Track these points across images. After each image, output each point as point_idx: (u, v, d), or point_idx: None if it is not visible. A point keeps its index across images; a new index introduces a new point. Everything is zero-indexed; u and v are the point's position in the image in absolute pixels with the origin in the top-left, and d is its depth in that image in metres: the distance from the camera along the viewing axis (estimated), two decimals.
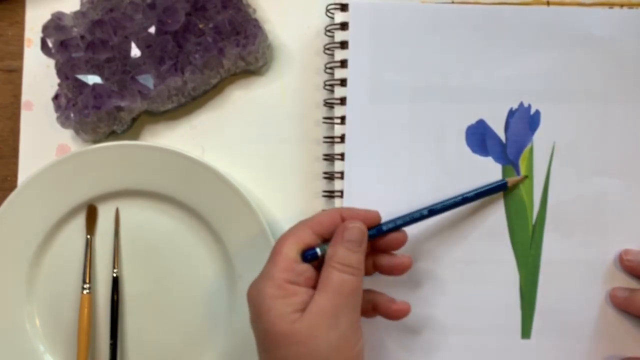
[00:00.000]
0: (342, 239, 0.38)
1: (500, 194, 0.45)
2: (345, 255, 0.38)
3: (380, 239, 0.41)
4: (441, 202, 0.42)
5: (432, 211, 0.42)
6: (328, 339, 0.35)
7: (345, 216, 0.40)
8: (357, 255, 0.38)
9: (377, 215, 0.41)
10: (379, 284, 0.43)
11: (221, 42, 0.46)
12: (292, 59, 0.49)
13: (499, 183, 0.44)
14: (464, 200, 0.43)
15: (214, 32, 0.46)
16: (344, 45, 0.46)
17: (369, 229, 0.40)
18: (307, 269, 0.38)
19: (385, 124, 0.45)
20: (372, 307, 0.41)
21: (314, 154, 0.48)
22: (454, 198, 0.42)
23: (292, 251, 0.38)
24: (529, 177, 0.45)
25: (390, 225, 0.41)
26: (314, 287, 0.37)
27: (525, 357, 0.44)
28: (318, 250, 0.38)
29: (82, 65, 0.46)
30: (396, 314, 0.41)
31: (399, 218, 0.41)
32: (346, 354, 0.36)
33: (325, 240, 0.39)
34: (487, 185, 0.44)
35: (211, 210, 0.46)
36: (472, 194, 0.43)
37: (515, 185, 0.44)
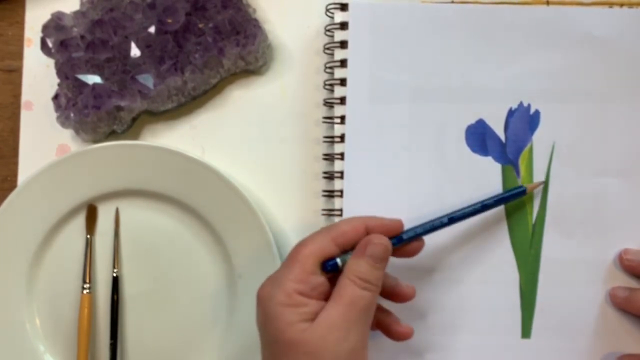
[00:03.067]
0: (365, 253, 0.37)
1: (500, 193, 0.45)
2: (366, 270, 0.37)
3: (399, 247, 0.40)
4: (461, 210, 0.42)
5: (452, 219, 0.41)
6: (337, 352, 0.35)
7: (369, 226, 0.39)
8: (378, 272, 0.37)
9: (400, 224, 0.40)
10: None
11: (221, 41, 0.46)
12: (292, 58, 0.49)
13: (518, 190, 0.43)
14: (483, 207, 0.42)
15: (214, 32, 0.46)
16: (343, 45, 0.46)
17: (390, 238, 0.39)
18: (322, 282, 0.37)
19: (385, 123, 0.45)
20: (375, 322, 0.41)
21: (314, 153, 0.48)
22: (473, 205, 0.42)
23: (310, 262, 0.37)
24: (527, 176, 0.45)
25: (411, 234, 0.40)
26: (326, 299, 0.37)
27: (525, 357, 0.44)
28: (339, 260, 0.38)
29: (82, 65, 0.46)
30: (398, 336, 0.41)
31: (419, 226, 0.41)
32: None
33: (346, 250, 0.38)
34: (507, 192, 0.43)
35: (211, 210, 0.46)
36: (491, 201, 0.42)
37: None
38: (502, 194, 0.43)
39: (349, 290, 0.36)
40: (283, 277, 0.36)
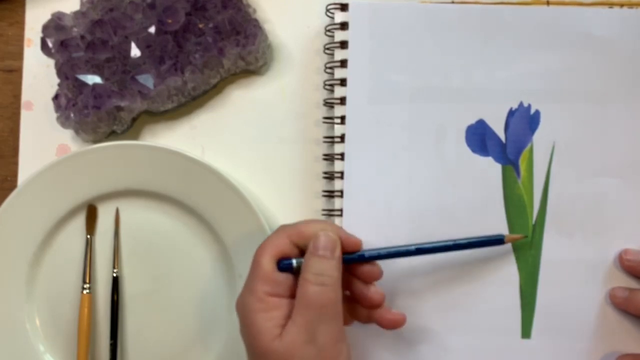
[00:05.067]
0: (314, 248, 0.37)
1: (500, 193, 0.45)
2: (316, 263, 0.37)
3: (358, 266, 0.40)
4: (431, 243, 0.41)
5: (420, 250, 0.41)
6: (306, 355, 0.35)
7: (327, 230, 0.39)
8: (330, 263, 0.37)
9: (359, 243, 0.40)
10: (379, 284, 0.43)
11: (221, 42, 0.46)
12: (292, 59, 0.49)
13: (496, 238, 0.42)
14: (455, 246, 0.42)
15: (214, 32, 0.46)
16: (344, 45, 0.46)
17: (351, 253, 0.40)
18: (285, 278, 0.37)
19: (385, 123, 0.45)
20: (367, 314, 0.41)
21: (314, 153, 0.48)
22: (445, 242, 0.42)
23: (268, 262, 0.37)
24: (527, 176, 0.45)
25: (373, 254, 0.40)
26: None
27: (525, 357, 0.44)
28: (294, 261, 0.38)
29: (82, 65, 0.46)
30: (389, 324, 0.41)
31: (383, 249, 0.41)
32: None
33: (304, 253, 0.39)
34: (483, 237, 0.43)
35: (211, 210, 0.46)
36: (465, 242, 0.42)
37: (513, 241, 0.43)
38: (477, 237, 0.42)
39: (305, 289, 0.36)
40: (252, 283, 0.37)
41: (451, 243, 0.42)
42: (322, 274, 0.36)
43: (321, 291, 0.36)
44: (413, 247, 0.41)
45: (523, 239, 0.44)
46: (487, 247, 0.43)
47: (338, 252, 0.38)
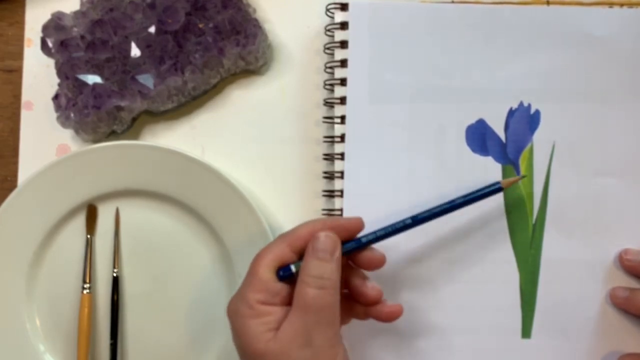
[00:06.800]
0: (313, 250, 0.37)
1: (500, 194, 0.45)
2: (316, 266, 0.36)
3: (359, 255, 0.39)
4: (427, 210, 0.40)
5: (417, 220, 0.39)
6: (301, 358, 0.35)
7: (327, 227, 0.38)
8: (329, 266, 0.36)
9: (359, 222, 0.39)
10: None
11: (221, 41, 0.46)
12: (292, 58, 0.49)
13: (493, 187, 0.40)
14: (452, 207, 0.40)
15: (214, 31, 0.46)
16: (344, 44, 0.46)
17: (348, 241, 0.39)
18: (282, 288, 0.37)
19: (385, 123, 0.45)
20: (364, 310, 0.41)
21: (314, 153, 0.48)
22: (441, 205, 0.40)
23: (266, 271, 0.37)
24: (527, 176, 0.45)
25: (371, 237, 0.39)
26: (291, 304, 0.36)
27: (525, 357, 0.44)
28: (293, 267, 0.37)
29: (82, 65, 0.46)
30: (387, 316, 0.40)
31: (379, 230, 0.39)
32: None
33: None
34: (480, 190, 0.41)
35: (211, 210, 0.46)
36: (461, 200, 0.40)
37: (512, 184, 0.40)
38: (474, 191, 0.40)
39: (303, 292, 0.36)
40: (245, 290, 0.37)
41: (447, 205, 0.40)
42: (321, 277, 0.36)
43: (320, 295, 0.35)
44: (409, 219, 0.39)
45: (522, 178, 0.42)
46: (486, 198, 0.40)
47: (338, 254, 0.37)
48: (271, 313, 0.36)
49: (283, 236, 0.38)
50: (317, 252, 0.37)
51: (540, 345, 0.44)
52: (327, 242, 0.37)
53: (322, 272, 0.36)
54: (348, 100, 0.45)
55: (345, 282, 0.40)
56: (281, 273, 0.37)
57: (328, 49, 0.47)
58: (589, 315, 0.44)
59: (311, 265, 0.36)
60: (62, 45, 0.46)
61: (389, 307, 0.40)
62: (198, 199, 0.46)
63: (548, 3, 0.46)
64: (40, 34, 0.47)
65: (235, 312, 0.36)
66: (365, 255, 0.39)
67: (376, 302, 0.40)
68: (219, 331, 0.47)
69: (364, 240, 0.39)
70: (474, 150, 0.45)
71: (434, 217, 0.40)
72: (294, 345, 0.35)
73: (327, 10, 0.46)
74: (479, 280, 0.45)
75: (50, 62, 0.48)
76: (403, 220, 0.39)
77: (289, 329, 0.35)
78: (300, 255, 0.38)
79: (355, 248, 0.39)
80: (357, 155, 0.45)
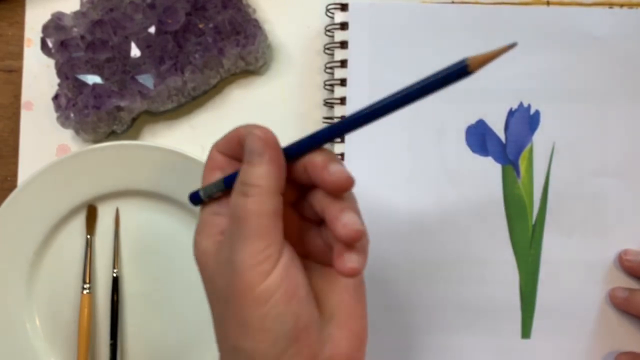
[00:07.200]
0: (244, 154, 0.31)
1: (500, 193, 0.45)
2: (242, 171, 0.31)
3: (312, 167, 0.31)
4: (377, 103, 0.30)
5: (376, 111, 0.30)
6: (225, 274, 0.30)
7: (241, 134, 0.32)
8: (257, 169, 0.30)
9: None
10: (378, 283, 0.43)
11: (221, 42, 0.46)
12: (292, 59, 0.49)
13: (458, 67, 0.28)
14: (416, 92, 0.30)
15: (214, 32, 0.46)
16: (344, 45, 0.46)
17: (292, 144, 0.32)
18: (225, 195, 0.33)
19: (385, 123, 0.45)
20: (323, 245, 0.33)
21: None
22: (392, 95, 0.30)
23: (208, 172, 0.33)
24: (527, 176, 0.45)
25: (317, 135, 0.30)
26: None
27: (525, 357, 0.44)
28: (201, 192, 0.33)
29: (82, 65, 0.46)
30: (341, 271, 0.30)
31: (323, 129, 0.30)
32: (243, 294, 0.29)
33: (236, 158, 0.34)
34: (441, 71, 0.29)
35: None
36: (423, 82, 0.30)
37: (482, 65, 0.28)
38: (434, 74, 0.29)
39: (230, 201, 0.31)
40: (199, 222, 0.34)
41: (400, 96, 0.31)
42: (244, 182, 0.30)
43: (242, 203, 0.30)
44: (366, 111, 0.30)
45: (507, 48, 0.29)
46: (452, 82, 0.29)
47: (268, 156, 0.30)
48: (215, 223, 0.33)
49: (214, 144, 0.34)
50: (245, 155, 0.31)
51: (540, 345, 0.44)
52: (254, 142, 0.31)
53: (245, 177, 0.31)
54: (348, 101, 0.45)
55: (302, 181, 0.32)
56: (192, 199, 0.34)
57: (328, 49, 0.47)
58: (588, 315, 0.44)
59: (240, 172, 0.31)
60: (62, 45, 0.46)
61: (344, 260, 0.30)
62: None
63: (548, 3, 0.46)
64: (40, 34, 0.47)
65: (195, 245, 0.33)
66: (315, 161, 0.31)
67: (345, 188, 0.30)
68: None
69: (304, 142, 0.31)
70: (474, 150, 0.45)
71: (382, 114, 0.30)
72: (221, 260, 0.30)
73: (327, 10, 0.46)
74: (479, 280, 0.45)
75: (50, 62, 0.48)
76: (359, 112, 0.30)
77: (222, 242, 0.31)
78: (234, 158, 0.34)
79: (297, 153, 0.31)
80: (357, 155, 0.45)
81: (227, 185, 0.32)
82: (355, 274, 0.29)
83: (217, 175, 0.34)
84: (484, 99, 0.45)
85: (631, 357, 0.43)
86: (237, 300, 0.30)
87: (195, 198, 0.34)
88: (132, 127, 0.49)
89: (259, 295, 0.29)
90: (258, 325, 0.29)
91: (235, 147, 0.33)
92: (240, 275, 0.29)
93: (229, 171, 0.33)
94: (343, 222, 0.30)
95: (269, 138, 0.31)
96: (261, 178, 0.30)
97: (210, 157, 0.34)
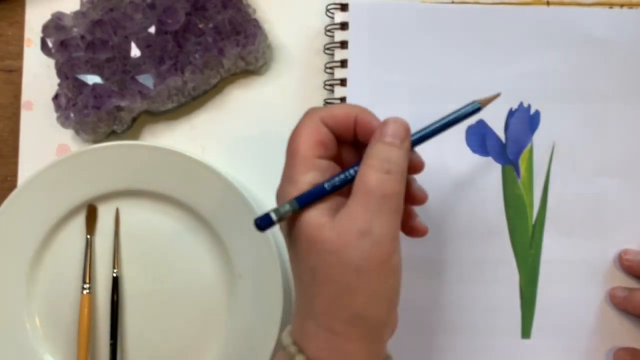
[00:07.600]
0: (381, 134, 0.33)
1: (500, 193, 0.45)
2: (383, 149, 0.33)
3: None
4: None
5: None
6: (359, 247, 0.31)
7: (360, 119, 0.34)
8: (399, 152, 0.33)
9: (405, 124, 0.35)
10: None
11: (221, 42, 0.46)
12: (292, 59, 0.49)
13: (473, 107, 0.36)
14: (437, 129, 0.36)
15: (214, 32, 0.46)
16: (344, 45, 0.46)
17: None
18: (328, 165, 0.34)
19: None
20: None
21: None
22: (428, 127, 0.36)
23: (307, 147, 0.34)
24: (527, 176, 0.45)
25: (422, 133, 0.35)
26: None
27: (525, 357, 0.44)
28: (273, 214, 0.33)
29: (82, 65, 0.46)
30: (412, 232, 0.37)
31: (424, 129, 0.35)
32: (381, 265, 0.31)
33: (340, 138, 0.35)
34: (459, 110, 0.36)
35: (211, 210, 0.46)
36: (442, 122, 0.36)
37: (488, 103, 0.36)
38: (453, 112, 0.36)
39: (367, 176, 0.32)
40: (291, 173, 0.34)
41: (434, 127, 0.36)
42: (389, 160, 0.32)
43: (386, 179, 0.32)
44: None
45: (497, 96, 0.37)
46: (466, 119, 0.36)
47: (407, 144, 0.34)
48: (326, 199, 0.33)
49: (315, 111, 0.35)
50: (385, 136, 0.33)
51: (540, 345, 0.44)
52: (398, 128, 0.34)
53: (390, 156, 0.33)
54: (348, 101, 0.45)
55: None
56: (258, 222, 0.34)
57: (328, 49, 0.47)
58: (588, 315, 0.44)
59: (378, 149, 0.33)
60: (62, 45, 0.46)
61: (418, 223, 0.37)
62: (198, 199, 0.46)
63: (548, 3, 0.46)
64: (40, 34, 0.47)
65: (284, 195, 0.34)
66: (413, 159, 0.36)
67: (422, 202, 0.36)
68: (219, 331, 0.47)
69: (422, 133, 0.35)
70: (474, 150, 0.45)
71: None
72: (353, 233, 0.31)
73: (327, 10, 0.46)
74: (479, 280, 0.45)
75: (50, 62, 0.48)
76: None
77: (347, 216, 0.32)
78: (335, 133, 0.35)
79: (418, 140, 0.35)
80: None
81: (301, 205, 0.33)
82: (425, 232, 0.37)
83: (312, 175, 0.33)
84: None
85: (630, 352, 0.44)
86: (374, 270, 0.31)
87: (264, 222, 0.34)
88: (132, 127, 0.49)
89: (394, 265, 0.32)
90: (385, 294, 0.32)
91: (345, 125, 0.34)
92: (382, 247, 0.31)
93: (324, 170, 0.34)
94: (423, 190, 0.36)
95: (408, 128, 0.34)
96: (403, 160, 0.33)
97: (315, 129, 0.34)
